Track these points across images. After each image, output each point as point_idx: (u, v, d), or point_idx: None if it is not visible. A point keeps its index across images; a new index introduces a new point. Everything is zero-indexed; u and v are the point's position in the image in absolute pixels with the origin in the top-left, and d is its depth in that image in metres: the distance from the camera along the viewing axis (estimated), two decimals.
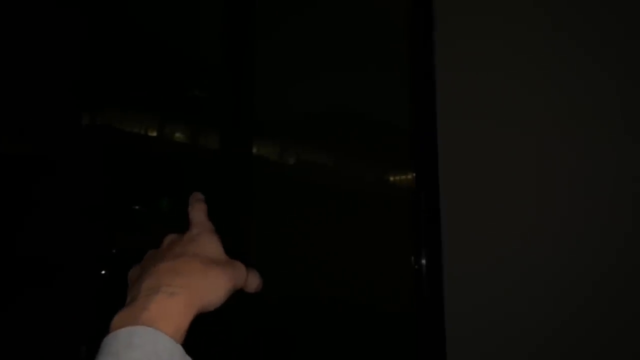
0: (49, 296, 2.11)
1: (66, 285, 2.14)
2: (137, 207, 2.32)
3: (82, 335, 2.09)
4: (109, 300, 2.11)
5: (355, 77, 2.14)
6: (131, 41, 2.33)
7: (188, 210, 0.62)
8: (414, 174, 1.84)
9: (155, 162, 2.33)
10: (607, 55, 1.54)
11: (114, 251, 2.27)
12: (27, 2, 2.21)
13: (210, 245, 0.57)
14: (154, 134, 2.49)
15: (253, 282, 0.61)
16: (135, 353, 0.47)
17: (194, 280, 0.53)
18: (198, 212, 0.62)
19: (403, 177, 2.09)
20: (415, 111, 1.81)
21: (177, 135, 2.54)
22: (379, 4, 2.09)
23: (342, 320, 2.09)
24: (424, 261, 1.75)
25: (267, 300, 2.09)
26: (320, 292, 2.11)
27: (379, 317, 2.04)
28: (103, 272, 2.25)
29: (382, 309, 2.04)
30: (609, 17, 1.54)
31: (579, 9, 1.58)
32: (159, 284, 0.51)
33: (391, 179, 2.17)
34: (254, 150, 2.23)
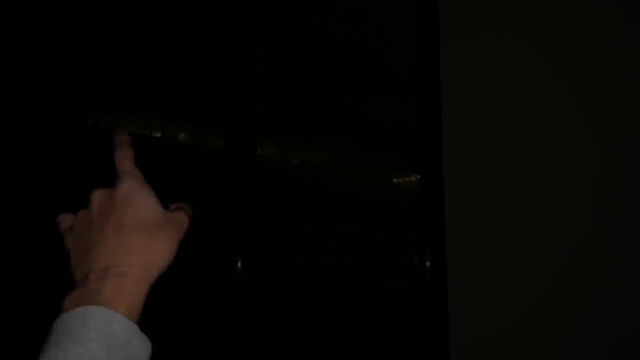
0: (48, 296, 2.11)
1: (64, 284, 2.14)
2: None
3: None
4: None
5: (361, 77, 2.14)
6: (135, 39, 2.33)
7: (114, 155, 0.59)
8: (419, 176, 1.83)
9: (159, 162, 2.33)
10: (618, 53, 1.53)
11: None
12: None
13: (147, 205, 0.55)
14: (158, 134, 2.49)
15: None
16: (90, 333, 0.46)
17: (142, 256, 0.52)
18: (124, 159, 0.59)
19: (407, 178, 2.08)
20: (420, 112, 1.81)
21: (182, 136, 2.54)
22: (384, 3, 2.09)
23: (346, 321, 2.08)
24: (428, 263, 1.75)
25: (268, 303, 2.09)
26: (323, 294, 2.10)
27: (383, 319, 2.03)
28: None
29: (386, 311, 2.03)
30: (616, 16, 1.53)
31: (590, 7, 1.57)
32: (107, 264, 0.51)
33: (395, 180, 2.16)
34: (259, 151, 2.23)
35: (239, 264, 2.01)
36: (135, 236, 0.52)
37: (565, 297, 1.52)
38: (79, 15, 2.30)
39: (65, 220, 0.58)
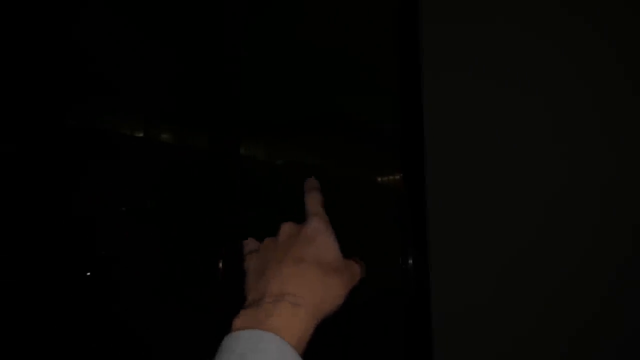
0: (37, 296, 2.09)
1: (53, 285, 2.13)
2: (123, 209, 2.30)
3: (67, 335, 2.08)
4: (92, 301, 2.10)
5: (343, 77, 2.14)
6: (118, 41, 2.31)
7: (304, 198, 0.62)
8: (402, 175, 1.84)
9: (142, 163, 2.32)
10: (605, 53, 1.54)
11: (103, 253, 2.25)
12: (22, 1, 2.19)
13: (329, 247, 0.57)
14: (141, 134, 2.48)
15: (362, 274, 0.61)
16: (261, 357, 0.46)
17: (316, 292, 0.53)
18: (314, 200, 0.62)
19: (391, 177, 2.09)
20: (402, 112, 1.82)
21: (164, 136, 2.53)
22: (367, 5, 2.10)
23: (329, 320, 2.08)
24: (410, 261, 1.76)
25: None
26: None
27: (366, 317, 2.04)
28: (88, 273, 2.23)
29: (370, 309, 2.04)
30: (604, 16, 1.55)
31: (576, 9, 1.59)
32: (283, 291, 0.52)
33: (379, 179, 2.17)
34: (242, 150, 2.22)
35: (221, 264, 2.00)
36: (312, 271, 0.54)
37: (552, 294, 1.53)
38: (64, 18, 2.28)
39: (249, 244, 0.62)
